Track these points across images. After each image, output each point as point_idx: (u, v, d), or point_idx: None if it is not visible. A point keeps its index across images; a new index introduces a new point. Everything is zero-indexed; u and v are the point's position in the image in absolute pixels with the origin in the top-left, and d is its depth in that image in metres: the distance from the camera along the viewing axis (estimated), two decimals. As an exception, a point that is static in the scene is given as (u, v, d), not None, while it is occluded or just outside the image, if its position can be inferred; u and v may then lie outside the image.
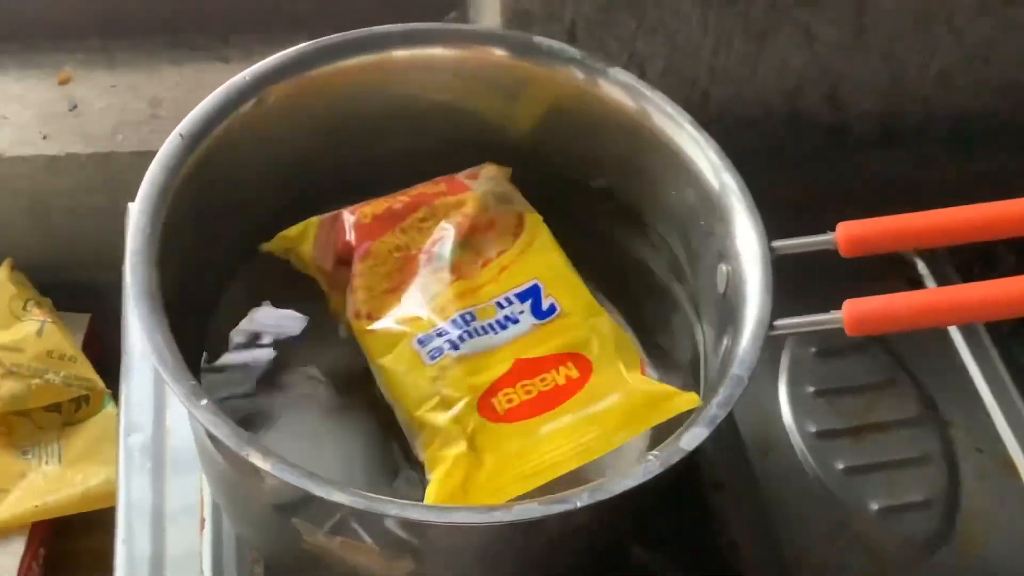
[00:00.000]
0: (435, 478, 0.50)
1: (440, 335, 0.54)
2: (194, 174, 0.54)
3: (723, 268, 0.55)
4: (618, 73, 0.59)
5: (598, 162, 0.63)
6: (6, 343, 0.78)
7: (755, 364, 0.49)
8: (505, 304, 0.55)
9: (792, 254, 0.54)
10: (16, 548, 0.74)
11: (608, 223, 0.63)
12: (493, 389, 0.52)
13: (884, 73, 0.81)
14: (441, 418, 0.51)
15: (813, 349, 0.70)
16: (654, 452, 0.47)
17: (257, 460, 0.44)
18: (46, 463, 0.77)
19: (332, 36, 0.59)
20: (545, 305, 0.56)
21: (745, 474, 0.64)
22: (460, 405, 0.52)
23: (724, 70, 0.79)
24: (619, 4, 0.74)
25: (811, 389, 0.69)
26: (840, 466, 0.66)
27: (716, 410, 0.48)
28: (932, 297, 0.51)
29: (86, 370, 0.79)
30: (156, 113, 0.80)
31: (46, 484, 0.75)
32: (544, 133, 0.62)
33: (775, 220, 0.55)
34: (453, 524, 0.45)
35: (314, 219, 0.58)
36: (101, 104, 0.81)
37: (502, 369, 0.53)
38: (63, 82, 0.81)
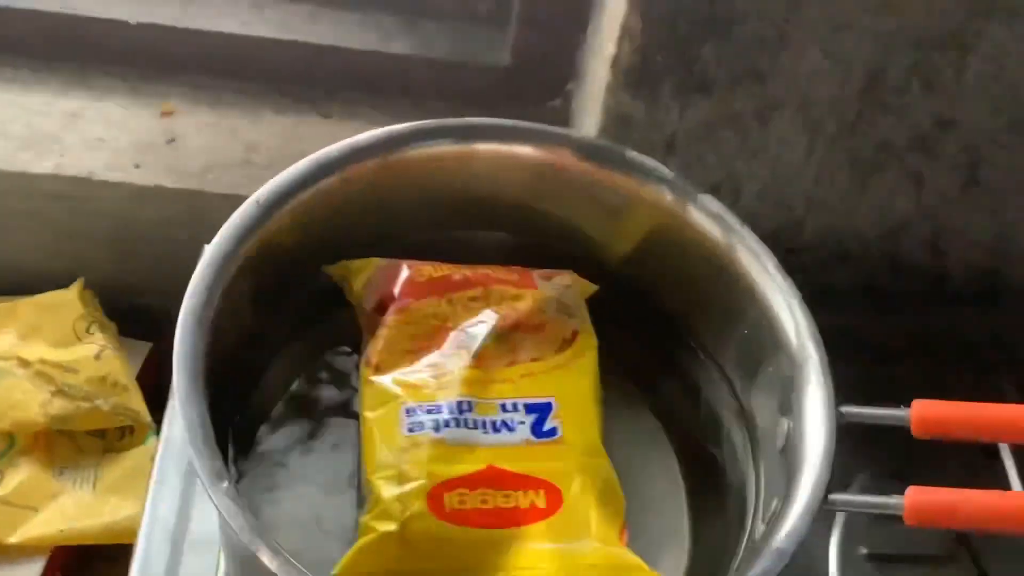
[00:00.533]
0: (355, 547, 0.49)
1: (429, 412, 0.52)
2: (263, 243, 0.53)
3: (784, 423, 0.53)
4: (708, 201, 0.58)
5: (674, 285, 0.61)
6: (63, 361, 0.78)
7: (802, 538, 0.47)
8: (509, 408, 0.54)
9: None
10: (34, 569, 0.74)
11: (671, 346, 0.61)
12: (450, 484, 0.51)
13: (990, 229, 0.77)
14: (388, 491, 0.50)
15: (872, 508, 0.67)
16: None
17: (265, 558, 0.43)
18: (80, 488, 0.77)
19: (423, 122, 0.58)
20: (547, 426, 0.54)
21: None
22: (411, 486, 0.50)
23: (823, 201, 0.77)
24: (724, 121, 0.72)
25: (864, 551, 0.66)
26: (882, 642, 0.62)
27: (751, 583, 0.45)
28: (1006, 502, 0.48)
29: (136, 402, 0.79)
30: (250, 158, 0.81)
31: (75, 510, 0.75)
32: (624, 247, 0.61)
33: (852, 364, 0.52)
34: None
35: (376, 260, 0.58)
36: (198, 142, 0.81)
37: (471, 468, 0.51)
38: (166, 114, 0.82)
